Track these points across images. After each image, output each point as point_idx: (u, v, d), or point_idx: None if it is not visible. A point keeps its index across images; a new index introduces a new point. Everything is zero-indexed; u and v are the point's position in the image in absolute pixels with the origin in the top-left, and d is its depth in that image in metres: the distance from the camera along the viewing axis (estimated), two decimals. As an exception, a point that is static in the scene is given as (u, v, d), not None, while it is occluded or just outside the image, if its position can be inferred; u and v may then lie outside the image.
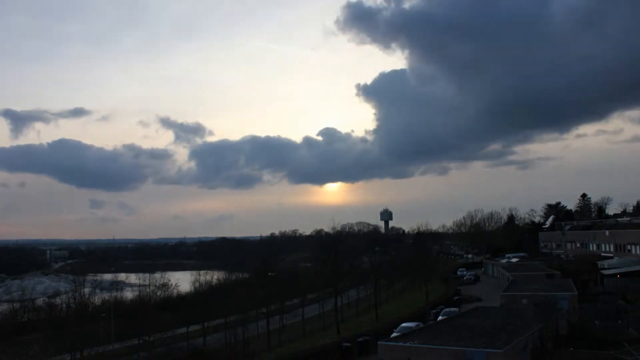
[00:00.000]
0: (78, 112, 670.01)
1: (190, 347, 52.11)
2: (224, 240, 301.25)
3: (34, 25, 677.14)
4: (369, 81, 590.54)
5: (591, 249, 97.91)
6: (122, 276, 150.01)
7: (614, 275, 70.28)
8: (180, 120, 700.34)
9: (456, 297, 70.99)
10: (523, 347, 32.23)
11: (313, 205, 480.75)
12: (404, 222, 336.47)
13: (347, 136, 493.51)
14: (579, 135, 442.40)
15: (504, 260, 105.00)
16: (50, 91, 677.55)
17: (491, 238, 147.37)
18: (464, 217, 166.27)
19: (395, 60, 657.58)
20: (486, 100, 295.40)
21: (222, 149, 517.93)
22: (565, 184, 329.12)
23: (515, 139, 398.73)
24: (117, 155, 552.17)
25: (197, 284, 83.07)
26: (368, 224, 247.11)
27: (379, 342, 34.40)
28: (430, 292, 74.55)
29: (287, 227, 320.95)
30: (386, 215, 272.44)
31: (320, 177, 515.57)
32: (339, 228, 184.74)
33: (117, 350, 57.46)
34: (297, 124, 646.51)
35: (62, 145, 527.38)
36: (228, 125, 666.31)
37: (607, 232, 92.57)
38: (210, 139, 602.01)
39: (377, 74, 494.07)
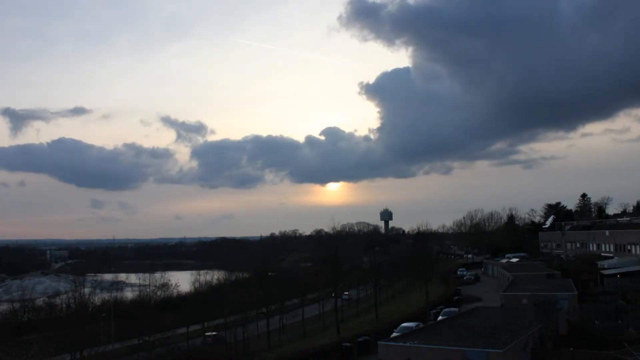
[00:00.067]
0: (78, 111, 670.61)
1: (190, 347, 52.09)
2: (224, 240, 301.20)
3: (34, 25, 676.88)
4: (372, 79, 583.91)
5: (591, 249, 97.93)
6: (122, 276, 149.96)
7: (614, 275, 70.30)
8: (181, 120, 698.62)
9: (456, 297, 71.03)
10: (523, 347, 32.22)
11: (313, 205, 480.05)
12: (404, 222, 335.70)
13: (350, 135, 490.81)
14: (584, 134, 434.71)
15: (504, 260, 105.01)
16: (50, 90, 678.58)
17: (491, 238, 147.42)
18: (464, 217, 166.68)
19: (398, 58, 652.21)
20: (492, 98, 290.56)
21: (224, 148, 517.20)
22: (569, 183, 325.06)
23: (521, 138, 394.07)
24: (118, 155, 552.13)
25: (197, 284, 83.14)
26: (368, 224, 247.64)
27: (379, 342, 34.36)
28: (430, 292, 74.51)
29: (287, 227, 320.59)
30: (386, 215, 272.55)
31: (323, 176, 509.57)
32: (339, 228, 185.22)
33: (117, 350, 57.50)
34: (299, 123, 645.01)
35: (62, 145, 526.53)
36: (230, 125, 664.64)
37: (607, 232, 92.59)
38: (212, 138, 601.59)
39: (381, 72, 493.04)
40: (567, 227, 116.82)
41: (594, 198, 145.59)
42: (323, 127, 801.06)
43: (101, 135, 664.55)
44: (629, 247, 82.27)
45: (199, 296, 74.99)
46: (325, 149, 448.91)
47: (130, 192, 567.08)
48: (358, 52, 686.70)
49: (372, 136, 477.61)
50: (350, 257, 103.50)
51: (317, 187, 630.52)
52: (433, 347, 30.90)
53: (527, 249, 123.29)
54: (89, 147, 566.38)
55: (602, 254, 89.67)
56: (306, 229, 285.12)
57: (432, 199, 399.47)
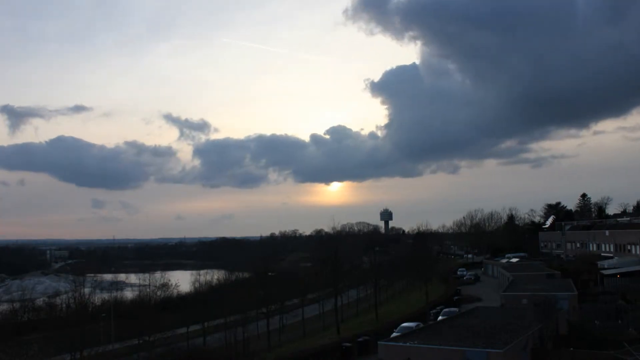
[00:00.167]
0: (78, 109, 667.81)
1: (190, 347, 52.07)
2: (224, 240, 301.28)
3: (34, 24, 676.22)
4: (379, 76, 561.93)
5: (591, 249, 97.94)
6: (122, 276, 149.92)
7: (614, 275, 70.31)
8: (184, 118, 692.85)
9: (456, 297, 71.04)
10: (523, 347, 32.23)
11: (314, 205, 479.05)
12: (404, 222, 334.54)
13: (356, 134, 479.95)
14: (596, 132, 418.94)
15: (504, 260, 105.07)
16: (50, 89, 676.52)
17: (491, 238, 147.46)
18: (464, 217, 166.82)
19: (406, 53, 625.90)
20: (504, 94, 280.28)
21: (227, 147, 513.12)
22: (578, 183, 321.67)
23: (532, 135, 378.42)
24: (119, 153, 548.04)
25: (197, 284, 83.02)
26: (368, 224, 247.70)
27: (379, 342, 34.37)
28: (430, 292, 74.51)
29: (289, 227, 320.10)
30: (386, 215, 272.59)
31: (327, 175, 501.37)
32: (339, 228, 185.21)
33: (117, 350, 57.52)
34: (304, 122, 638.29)
35: (61, 143, 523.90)
36: (234, 123, 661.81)
37: (607, 232, 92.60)
38: (216, 136, 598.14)
39: (388, 68, 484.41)
40: (567, 227, 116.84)
41: (600, 197, 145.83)
42: (329, 126, 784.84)
43: (102, 133, 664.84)
44: (629, 247, 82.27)
45: (199, 296, 74.82)
46: (331, 148, 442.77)
47: (131, 192, 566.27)
48: (364, 48, 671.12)
49: (379, 133, 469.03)
50: (350, 257, 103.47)
51: (319, 187, 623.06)
52: (433, 347, 30.91)
53: (527, 249, 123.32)
54: (90, 145, 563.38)
55: (602, 254, 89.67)
56: (306, 229, 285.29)
57: (435, 198, 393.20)
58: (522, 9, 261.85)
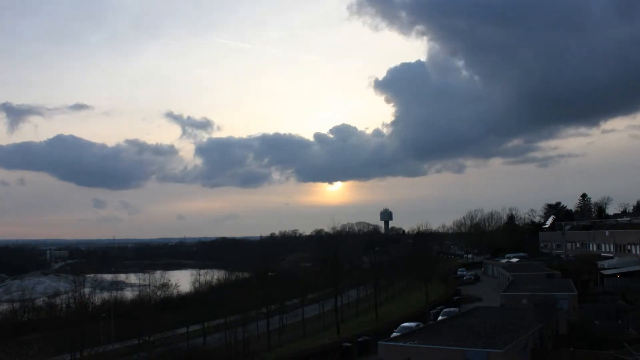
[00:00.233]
0: (79, 107, 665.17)
1: (190, 347, 52.08)
2: (224, 240, 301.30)
3: (33, 23, 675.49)
4: (385, 73, 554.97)
5: (591, 249, 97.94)
6: (122, 276, 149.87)
7: (614, 275, 70.32)
8: (186, 116, 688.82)
9: (456, 297, 71.04)
10: (523, 347, 32.23)
11: (314, 205, 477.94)
12: (404, 222, 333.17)
13: (361, 133, 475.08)
14: (605, 131, 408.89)
15: (504, 260, 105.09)
16: (49, 87, 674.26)
17: (491, 238, 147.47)
18: (464, 217, 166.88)
19: (412, 50, 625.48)
20: (513, 91, 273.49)
21: (229, 146, 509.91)
22: (583, 182, 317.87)
23: (540, 134, 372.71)
24: (119, 152, 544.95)
25: (197, 284, 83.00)
26: (368, 224, 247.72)
27: (379, 342, 34.38)
28: (430, 292, 74.52)
29: (289, 227, 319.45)
30: (386, 215, 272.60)
31: (331, 175, 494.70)
32: (339, 228, 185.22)
33: (117, 350, 57.53)
34: (308, 120, 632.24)
35: (61, 142, 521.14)
36: (236, 122, 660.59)
37: (607, 232, 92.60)
38: (218, 134, 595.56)
39: (393, 65, 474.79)
40: (567, 227, 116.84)
41: (600, 197, 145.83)
42: (333, 125, 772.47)
43: (102, 132, 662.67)
44: (629, 247, 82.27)
45: (199, 296, 74.80)
46: (334, 147, 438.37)
47: (132, 191, 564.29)
48: (369, 45, 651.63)
49: (384, 131, 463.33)
50: (350, 257, 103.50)
51: (320, 187, 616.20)
52: (433, 347, 30.91)
53: (527, 249, 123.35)
54: (90, 144, 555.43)
55: (602, 254, 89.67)
56: (306, 229, 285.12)
57: (438, 198, 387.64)
58: (534, 2, 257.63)
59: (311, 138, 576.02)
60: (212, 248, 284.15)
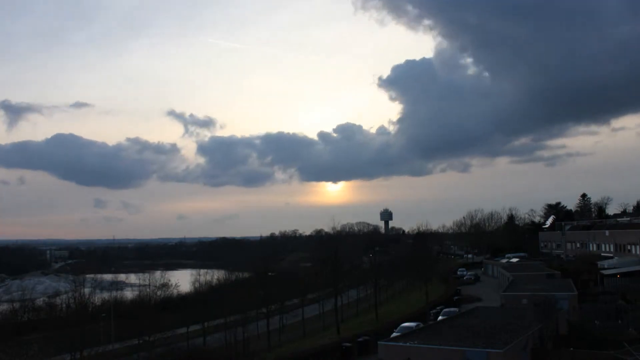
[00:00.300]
0: (79, 106, 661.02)
1: (190, 347, 52.10)
2: (224, 240, 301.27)
3: (34, 21, 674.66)
4: (391, 70, 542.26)
5: (591, 249, 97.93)
6: (122, 276, 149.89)
7: (614, 275, 70.32)
8: (188, 114, 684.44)
9: (456, 297, 71.03)
10: (523, 347, 32.23)
11: (314, 205, 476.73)
12: (404, 222, 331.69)
13: (366, 132, 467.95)
14: (614, 129, 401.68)
15: (504, 260, 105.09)
16: (48, 84, 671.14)
17: (491, 238, 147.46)
18: (464, 217, 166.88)
19: (419, 47, 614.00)
20: (523, 88, 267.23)
21: (232, 144, 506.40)
22: (591, 181, 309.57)
23: (549, 132, 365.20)
24: (120, 150, 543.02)
25: (197, 284, 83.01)
26: (368, 224, 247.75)
27: (379, 342, 34.38)
28: (430, 292, 74.52)
29: (290, 227, 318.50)
30: (386, 215, 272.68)
31: (334, 174, 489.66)
32: (338, 228, 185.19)
33: (117, 350, 57.55)
34: (312, 119, 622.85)
35: (60, 140, 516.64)
36: (240, 121, 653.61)
37: (607, 232, 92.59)
38: (221, 133, 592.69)
39: (400, 62, 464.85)
40: (567, 227, 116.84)
41: (600, 197, 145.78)
42: (338, 123, 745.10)
43: (102, 130, 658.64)
44: (629, 247, 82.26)
45: (199, 296, 74.83)
46: (339, 146, 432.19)
47: (132, 191, 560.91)
48: (375, 42, 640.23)
49: (391, 129, 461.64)
50: (350, 257, 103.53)
51: (322, 187, 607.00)
52: (433, 347, 30.91)
53: (527, 249, 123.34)
54: (90, 143, 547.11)
55: (602, 254, 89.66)
56: (306, 229, 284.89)
57: (439, 198, 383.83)
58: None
59: (315, 137, 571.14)
60: (212, 248, 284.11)
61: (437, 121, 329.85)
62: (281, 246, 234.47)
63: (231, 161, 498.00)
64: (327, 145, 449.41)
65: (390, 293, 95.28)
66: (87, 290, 62.45)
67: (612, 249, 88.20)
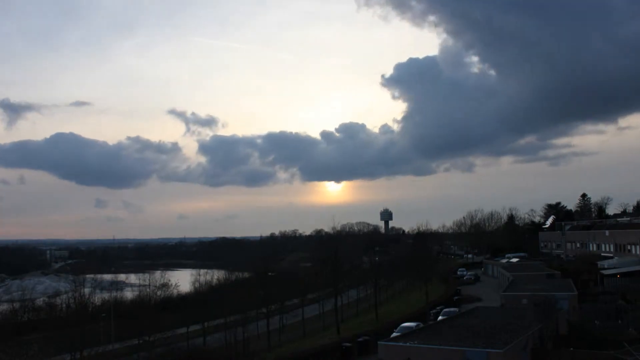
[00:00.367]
0: (79, 104, 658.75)
1: (190, 347, 52.11)
2: (224, 240, 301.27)
3: (31, 19, 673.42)
4: (395, 68, 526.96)
5: (591, 249, 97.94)
6: (122, 276, 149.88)
7: (614, 275, 70.32)
8: (189, 113, 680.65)
9: (456, 297, 71.04)
10: (523, 347, 32.23)
11: (315, 205, 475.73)
12: (404, 222, 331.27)
13: (369, 131, 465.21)
14: (621, 128, 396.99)
15: (504, 260, 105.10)
16: (48, 83, 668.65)
17: (491, 238, 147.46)
18: (464, 217, 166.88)
19: (424, 45, 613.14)
20: (530, 85, 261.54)
21: (234, 144, 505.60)
22: (593, 181, 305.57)
23: (556, 130, 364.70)
24: (121, 149, 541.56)
25: (197, 284, 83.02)
26: (368, 224, 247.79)
27: (379, 342, 34.38)
28: (430, 292, 74.52)
29: (291, 227, 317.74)
30: (386, 215, 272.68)
31: (337, 174, 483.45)
32: (338, 228, 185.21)
33: (117, 350, 57.54)
34: (315, 118, 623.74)
35: (60, 140, 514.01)
36: (242, 121, 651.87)
37: (607, 232, 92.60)
38: (223, 132, 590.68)
39: (403, 61, 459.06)
40: (567, 227, 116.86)
41: (603, 197, 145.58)
42: (341, 122, 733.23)
43: (103, 129, 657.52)
44: (629, 247, 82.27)
45: (199, 296, 74.83)
46: (341, 145, 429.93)
47: (133, 191, 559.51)
48: (379, 40, 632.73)
49: (395, 127, 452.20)
50: (350, 257, 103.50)
51: (323, 187, 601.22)
52: (433, 347, 30.91)
53: (527, 249, 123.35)
54: (91, 142, 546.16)
55: (602, 254, 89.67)
56: (306, 229, 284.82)
57: (441, 198, 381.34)
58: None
59: (318, 136, 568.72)
60: (212, 248, 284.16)
61: (441, 120, 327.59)
62: (281, 246, 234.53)
63: (233, 161, 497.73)
64: (330, 144, 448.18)
65: (390, 293, 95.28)
66: (87, 290, 62.47)
67: (612, 249, 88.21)
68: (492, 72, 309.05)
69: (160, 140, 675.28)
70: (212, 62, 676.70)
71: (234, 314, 61.03)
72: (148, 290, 76.81)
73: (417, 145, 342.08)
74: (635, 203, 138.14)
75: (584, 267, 78.35)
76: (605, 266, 75.87)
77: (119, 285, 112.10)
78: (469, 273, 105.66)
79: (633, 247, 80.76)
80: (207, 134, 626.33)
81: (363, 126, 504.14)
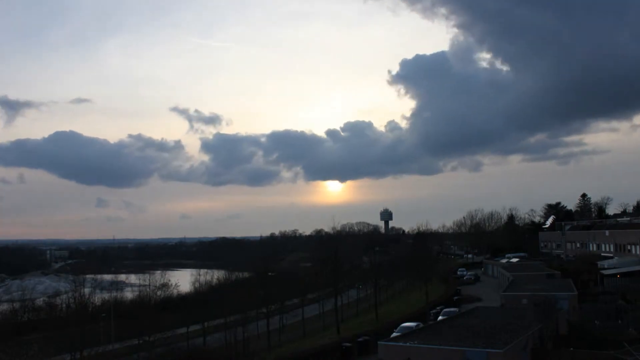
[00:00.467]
0: (81, 102, 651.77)
1: (190, 347, 52.12)
2: (224, 240, 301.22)
3: (29, 18, 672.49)
4: (402, 66, 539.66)
5: (591, 249, 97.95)
6: (122, 276, 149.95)
7: (614, 275, 70.33)
8: (193, 110, 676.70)
9: (456, 297, 71.04)
10: (523, 347, 32.23)
11: (315, 204, 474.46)
12: (404, 222, 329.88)
13: (375, 129, 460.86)
14: (634, 126, 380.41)
15: (504, 260, 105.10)
16: (48, 80, 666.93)
17: (491, 238, 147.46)
18: (464, 217, 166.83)
19: (433, 41, 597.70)
20: (544, 81, 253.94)
21: (237, 142, 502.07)
22: (599, 180, 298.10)
23: (569, 127, 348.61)
24: (122, 147, 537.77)
25: (197, 284, 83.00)
26: (368, 224, 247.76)
27: (379, 342, 34.39)
28: (430, 292, 74.51)
29: (290, 227, 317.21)
30: (386, 215, 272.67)
31: (342, 173, 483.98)
32: (338, 228, 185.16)
33: (117, 350, 57.55)
34: (320, 116, 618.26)
35: (60, 138, 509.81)
36: (246, 119, 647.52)
37: (607, 232, 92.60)
38: (226, 130, 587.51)
39: (411, 57, 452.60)
40: (567, 227, 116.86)
41: (603, 197, 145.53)
42: (347, 120, 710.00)
43: (104, 127, 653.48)
44: (629, 247, 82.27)
45: (199, 296, 74.81)
46: (346, 144, 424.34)
47: (134, 190, 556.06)
48: (387, 35, 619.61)
49: (403, 124, 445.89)
50: (350, 257, 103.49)
51: (326, 187, 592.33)
52: (433, 347, 30.92)
53: (527, 249, 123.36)
54: (91, 140, 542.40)
55: (602, 254, 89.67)
56: (306, 229, 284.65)
57: (443, 198, 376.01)
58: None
59: (323, 134, 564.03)
60: (212, 248, 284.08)
61: (450, 117, 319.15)
62: (281, 246, 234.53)
63: (236, 159, 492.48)
64: (335, 143, 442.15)
65: (390, 293, 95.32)
66: (87, 290, 62.49)
67: (612, 249, 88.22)
68: (504, 68, 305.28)
69: (162, 138, 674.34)
70: (217, 59, 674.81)
71: (234, 314, 61.03)
72: (148, 290, 76.75)
73: (424, 144, 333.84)
74: (635, 203, 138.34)
75: (584, 267, 78.33)
76: (605, 266, 75.88)
77: (119, 285, 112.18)
78: (469, 273, 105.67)
79: (633, 247, 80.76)
80: (211, 132, 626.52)
81: (370, 124, 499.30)
